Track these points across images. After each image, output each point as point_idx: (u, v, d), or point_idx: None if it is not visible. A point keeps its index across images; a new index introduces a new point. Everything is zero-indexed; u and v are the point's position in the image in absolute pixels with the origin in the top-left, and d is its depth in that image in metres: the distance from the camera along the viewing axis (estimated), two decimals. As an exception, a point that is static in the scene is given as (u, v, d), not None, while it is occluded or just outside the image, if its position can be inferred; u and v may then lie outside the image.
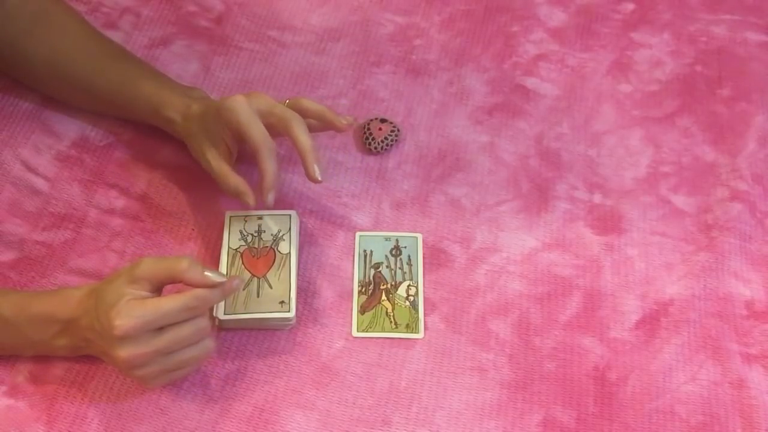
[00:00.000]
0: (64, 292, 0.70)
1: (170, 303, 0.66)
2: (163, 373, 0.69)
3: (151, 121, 0.84)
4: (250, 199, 0.76)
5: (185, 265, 0.67)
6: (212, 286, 0.68)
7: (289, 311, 0.74)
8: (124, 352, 0.65)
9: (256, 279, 0.76)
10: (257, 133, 0.74)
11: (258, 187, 0.76)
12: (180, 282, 0.68)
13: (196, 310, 0.67)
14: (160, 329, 0.66)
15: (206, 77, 0.92)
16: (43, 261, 0.79)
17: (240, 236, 0.79)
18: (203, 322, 0.68)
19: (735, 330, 0.79)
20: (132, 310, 0.65)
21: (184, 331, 0.67)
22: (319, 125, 0.81)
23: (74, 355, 0.72)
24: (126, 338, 0.65)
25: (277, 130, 0.76)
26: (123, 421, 0.71)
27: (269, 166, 0.74)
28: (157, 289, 0.68)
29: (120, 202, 0.83)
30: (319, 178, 0.75)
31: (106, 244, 0.81)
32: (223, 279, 0.68)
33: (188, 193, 0.84)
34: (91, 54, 0.84)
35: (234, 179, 0.76)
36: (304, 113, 0.78)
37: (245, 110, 0.74)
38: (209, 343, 0.70)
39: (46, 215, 0.82)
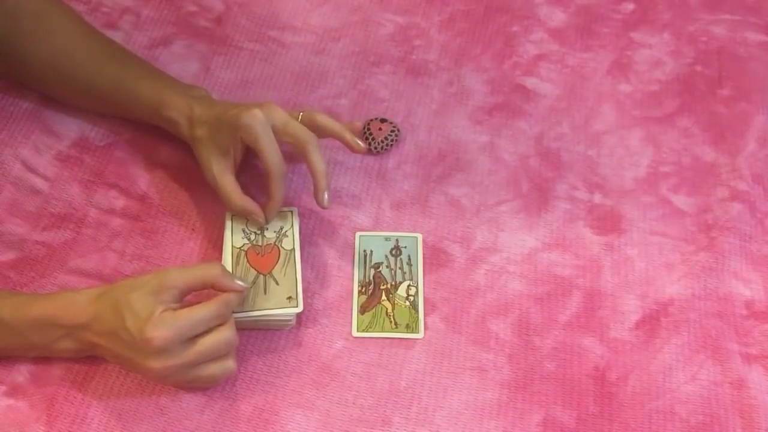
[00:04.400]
0: (67, 297, 0.70)
1: (202, 311, 0.67)
2: (186, 383, 0.71)
3: (153, 121, 0.84)
4: (261, 218, 0.78)
5: (219, 270, 0.70)
6: (240, 291, 0.70)
7: (297, 306, 0.75)
8: (158, 364, 0.66)
9: (262, 276, 0.76)
10: (273, 157, 0.75)
11: (264, 203, 0.78)
12: (210, 288, 0.70)
13: (223, 317, 0.69)
14: (191, 340, 0.67)
15: (206, 77, 0.92)
16: (43, 261, 0.79)
17: (243, 235, 0.79)
18: (230, 335, 0.69)
19: (735, 330, 0.79)
20: (167, 321, 0.66)
21: (214, 342, 0.68)
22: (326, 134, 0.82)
23: (77, 356, 0.72)
24: (162, 350, 0.66)
25: (290, 146, 0.77)
26: (123, 421, 0.71)
27: (278, 191, 0.77)
28: (182, 298, 0.69)
29: (120, 202, 0.83)
30: (327, 206, 0.78)
31: (106, 244, 0.81)
32: (249, 286, 0.72)
33: (188, 193, 0.84)
34: (91, 54, 0.84)
35: (240, 200, 0.77)
36: (318, 130, 0.79)
37: (264, 131, 0.75)
38: (230, 365, 0.71)
39: (46, 215, 0.82)
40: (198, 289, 0.70)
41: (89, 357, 0.72)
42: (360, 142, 0.81)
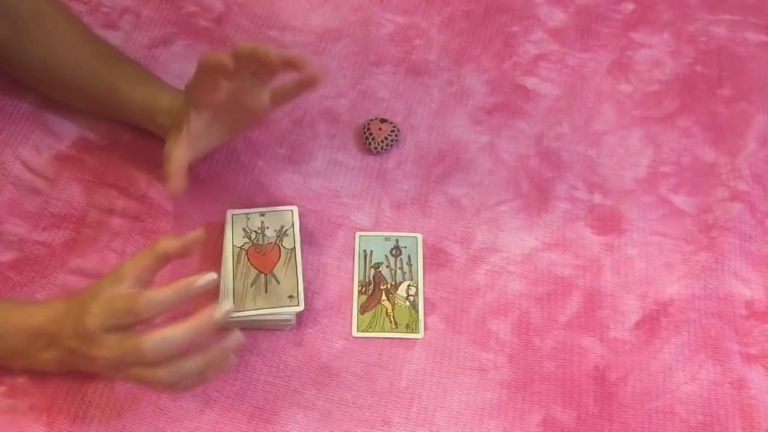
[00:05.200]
0: (51, 304, 0.70)
1: (149, 293, 0.64)
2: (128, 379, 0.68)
3: (144, 125, 0.83)
4: (171, 189, 0.75)
5: (162, 241, 0.67)
6: (192, 242, 0.67)
7: (298, 305, 0.75)
8: (95, 352, 0.65)
9: (263, 275, 0.77)
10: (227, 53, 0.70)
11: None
12: (163, 261, 0.67)
13: (169, 305, 0.64)
14: (131, 333, 0.64)
15: (206, 77, 0.92)
16: (43, 261, 0.79)
17: (244, 234, 0.79)
18: (176, 333, 0.63)
19: (735, 330, 0.79)
20: (103, 303, 0.64)
21: (159, 340, 0.63)
22: (292, 88, 0.76)
23: (61, 370, 0.71)
24: (91, 332, 0.64)
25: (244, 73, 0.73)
26: (123, 421, 0.71)
27: (271, 50, 0.69)
28: (144, 285, 0.67)
29: (120, 202, 0.83)
30: (320, 75, 0.73)
31: (106, 244, 0.81)
32: (204, 237, 0.68)
33: (188, 193, 0.84)
34: (85, 56, 0.83)
35: (175, 164, 0.75)
36: (267, 66, 0.72)
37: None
38: (159, 374, 0.65)
39: (46, 215, 0.82)
40: (152, 269, 0.67)
41: (89, 357, 0.72)
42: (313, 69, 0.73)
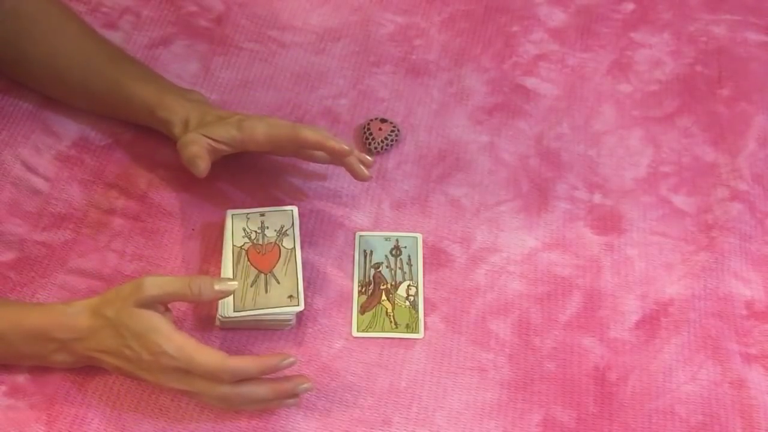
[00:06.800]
0: (59, 309, 0.70)
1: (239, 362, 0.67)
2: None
3: (147, 123, 0.83)
4: (199, 169, 0.77)
5: (196, 290, 0.69)
6: (225, 293, 0.70)
7: (298, 305, 0.75)
8: (156, 378, 0.68)
9: (263, 275, 0.76)
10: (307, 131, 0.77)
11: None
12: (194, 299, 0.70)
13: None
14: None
15: (206, 77, 0.92)
16: (43, 261, 0.79)
17: (243, 233, 0.79)
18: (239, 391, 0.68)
19: (735, 330, 0.79)
20: (185, 351, 0.66)
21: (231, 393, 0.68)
22: (326, 157, 0.81)
23: (73, 367, 0.72)
24: (167, 369, 0.66)
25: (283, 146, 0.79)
26: (123, 421, 0.71)
27: (334, 143, 0.77)
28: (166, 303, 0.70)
29: (120, 202, 0.83)
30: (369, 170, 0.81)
31: (106, 244, 0.81)
32: (235, 283, 0.71)
33: (188, 193, 0.84)
34: (87, 54, 0.83)
35: (200, 148, 0.77)
36: (303, 144, 0.79)
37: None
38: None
39: (46, 215, 0.82)
40: (178, 300, 0.71)
41: (89, 357, 0.73)
42: (344, 145, 0.78)
